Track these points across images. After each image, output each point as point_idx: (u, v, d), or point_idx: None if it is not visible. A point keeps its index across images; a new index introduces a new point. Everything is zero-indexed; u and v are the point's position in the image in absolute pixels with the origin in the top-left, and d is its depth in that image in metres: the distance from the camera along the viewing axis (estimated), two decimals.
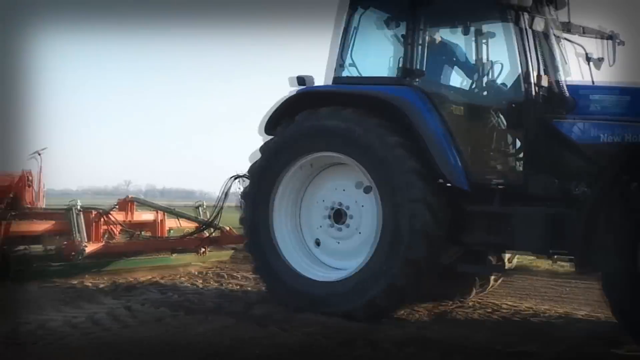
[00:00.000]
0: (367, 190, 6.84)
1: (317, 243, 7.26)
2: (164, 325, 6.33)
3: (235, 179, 9.04)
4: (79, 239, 8.78)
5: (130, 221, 10.19)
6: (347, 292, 6.52)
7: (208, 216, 10.62)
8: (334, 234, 7.12)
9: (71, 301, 7.38)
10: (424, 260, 6.28)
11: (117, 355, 5.20)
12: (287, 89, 7.31)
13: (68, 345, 5.48)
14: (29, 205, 11.47)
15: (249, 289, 8.81)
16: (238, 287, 9.00)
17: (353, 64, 7.43)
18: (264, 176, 7.29)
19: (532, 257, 10.23)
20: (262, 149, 7.35)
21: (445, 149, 6.44)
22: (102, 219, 9.65)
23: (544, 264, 10.55)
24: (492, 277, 7.95)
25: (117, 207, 10.30)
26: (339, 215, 7.07)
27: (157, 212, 10.57)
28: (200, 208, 10.82)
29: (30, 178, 12.16)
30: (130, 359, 5.17)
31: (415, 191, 6.26)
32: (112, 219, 9.79)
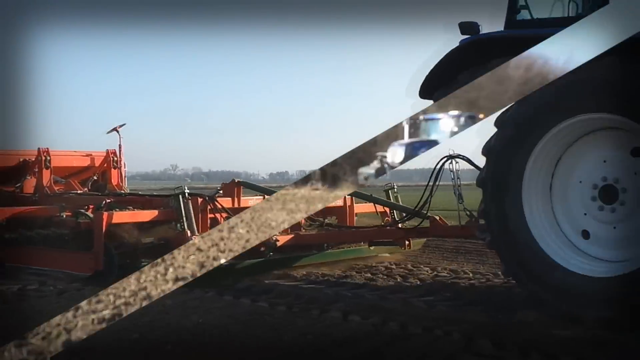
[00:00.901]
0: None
1: (585, 233, 5.57)
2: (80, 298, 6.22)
3: (448, 159, 7.59)
4: (188, 230, 7.57)
5: (237, 207, 8.87)
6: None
7: (399, 201, 9.37)
8: (604, 218, 5.44)
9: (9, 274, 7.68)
10: None
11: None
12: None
13: None
14: (122, 191, 10.46)
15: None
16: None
17: (526, 6, 5.97)
18: (503, 157, 5.67)
19: None
20: (500, 123, 5.66)
21: None
22: (208, 207, 8.43)
23: None
24: None
25: (221, 192, 9.05)
26: (608, 194, 5.41)
27: (264, 197, 9.24)
28: (390, 191, 9.47)
29: (115, 158, 11.11)
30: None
31: None
32: (219, 205, 8.55)
